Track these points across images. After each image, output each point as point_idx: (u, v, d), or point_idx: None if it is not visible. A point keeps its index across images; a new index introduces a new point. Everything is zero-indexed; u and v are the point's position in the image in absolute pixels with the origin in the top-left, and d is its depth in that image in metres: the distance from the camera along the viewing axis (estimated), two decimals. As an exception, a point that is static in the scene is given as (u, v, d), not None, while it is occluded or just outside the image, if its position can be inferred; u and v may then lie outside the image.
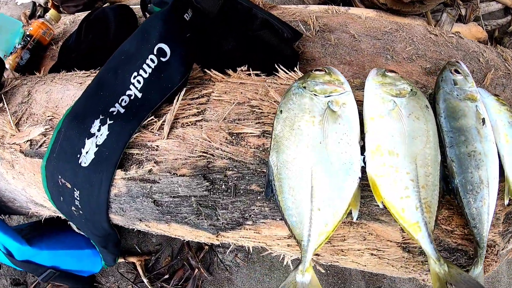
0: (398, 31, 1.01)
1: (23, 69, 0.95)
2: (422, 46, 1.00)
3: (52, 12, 0.96)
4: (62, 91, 0.69)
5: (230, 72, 0.59)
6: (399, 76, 0.52)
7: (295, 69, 0.62)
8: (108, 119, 0.54)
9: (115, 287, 1.09)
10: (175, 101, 0.53)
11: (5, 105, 0.70)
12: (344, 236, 0.47)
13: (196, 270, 1.00)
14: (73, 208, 0.59)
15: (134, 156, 0.53)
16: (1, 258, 0.80)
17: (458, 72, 0.53)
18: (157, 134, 0.52)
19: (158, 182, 0.50)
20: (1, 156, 0.66)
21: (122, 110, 0.55)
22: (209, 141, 0.49)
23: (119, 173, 0.52)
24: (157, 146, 0.52)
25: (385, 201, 0.42)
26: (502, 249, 0.52)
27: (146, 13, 0.90)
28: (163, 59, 0.57)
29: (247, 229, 0.47)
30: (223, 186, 0.47)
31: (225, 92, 0.54)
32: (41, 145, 0.62)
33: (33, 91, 0.73)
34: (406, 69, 0.94)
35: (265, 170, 0.46)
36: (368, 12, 1.27)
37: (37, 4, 1.37)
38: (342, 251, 0.48)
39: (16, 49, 0.93)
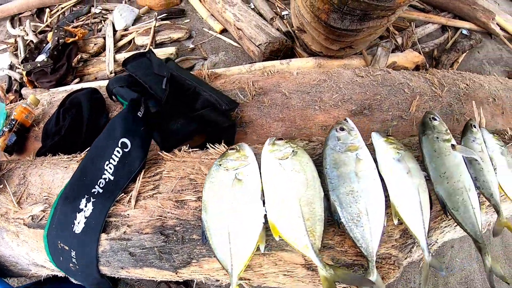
0: (326, 81, 1.38)
1: (10, 149, 1.32)
2: (348, 91, 1.38)
3: (31, 98, 1.33)
4: (52, 174, 1.04)
5: (176, 151, 0.97)
6: (284, 142, 0.83)
7: (222, 144, 0.99)
8: (91, 197, 0.90)
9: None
10: (137, 181, 0.90)
11: (8, 187, 1.05)
12: (261, 263, 0.80)
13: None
14: (71, 265, 0.93)
15: (113, 223, 0.88)
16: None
17: (343, 129, 0.85)
18: (127, 206, 0.88)
19: (131, 240, 0.85)
20: (7, 228, 0.99)
21: (101, 191, 0.91)
22: (162, 208, 0.84)
23: (103, 236, 0.87)
24: (128, 214, 0.87)
25: (281, 235, 0.72)
26: (405, 259, 0.87)
27: (113, 96, 1.28)
28: (126, 150, 0.93)
29: (194, 266, 0.81)
30: (175, 238, 0.82)
31: (172, 170, 0.90)
32: (41, 219, 0.96)
33: (28, 174, 1.07)
34: (333, 115, 1.31)
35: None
36: (308, 61, 1.66)
37: (12, 78, 1.76)
38: (263, 275, 0.82)
39: (4, 132, 1.29)
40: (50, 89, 1.53)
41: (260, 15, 1.85)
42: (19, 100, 1.67)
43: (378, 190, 0.79)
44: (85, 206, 0.89)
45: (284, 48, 1.71)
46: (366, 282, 0.71)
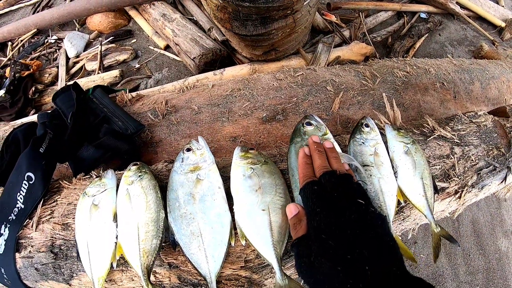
0: (240, 90, 1.52)
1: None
2: (261, 97, 1.50)
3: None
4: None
5: (73, 179, 1.20)
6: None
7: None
8: (8, 223, 1.17)
9: None
10: (38, 208, 1.15)
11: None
12: (121, 278, 0.95)
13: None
14: (5, 280, 1.23)
15: (23, 243, 1.13)
16: None
17: (189, 150, 0.96)
18: (31, 229, 1.13)
19: (34, 257, 1.09)
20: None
21: (14, 218, 1.17)
22: (53, 230, 1.08)
23: (17, 255, 1.14)
24: (32, 236, 1.12)
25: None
26: (266, 279, 0.90)
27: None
28: (31, 182, 1.19)
29: (75, 279, 1.03)
30: (61, 255, 1.05)
31: (65, 196, 1.14)
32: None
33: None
34: (242, 125, 1.45)
35: (81, 242, 1.05)
36: (242, 68, 1.79)
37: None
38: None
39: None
40: (10, 122, 1.85)
41: (200, 26, 2.01)
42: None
43: (218, 211, 0.84)
44: (4, 231, 1.16)
45: (220, 58, 1.86)
46: None
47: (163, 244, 0.91)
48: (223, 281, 0.87)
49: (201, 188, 0.88)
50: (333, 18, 2.04)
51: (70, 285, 1.08)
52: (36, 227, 1.11)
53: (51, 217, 1.10)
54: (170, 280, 0.90)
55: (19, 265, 1.12)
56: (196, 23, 2.09)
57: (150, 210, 0.89)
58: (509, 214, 2.00)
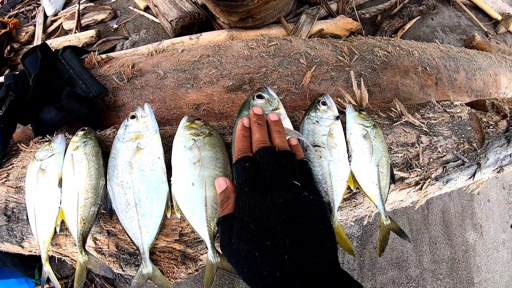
0: (209, 56, 1.46)
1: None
2: (230, 65, 1.45)
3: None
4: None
5: (30, 142, 1.20)
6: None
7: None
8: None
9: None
10: None
11: None
12: (65, 243, 1.00)
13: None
14: None
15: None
16: None
17: (134, 117, 0.91)
18: (-12, 191, 1.15)
19: (-10, 220, 1.13)
20: None
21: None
22: (7, 193, 1.10)
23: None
24: (-11, 199, 1.14)
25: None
26: (201, 254, 0.92)
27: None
28: (-12, 145, 1.19)
29: (26, 241, 1.04)
30: (13, 218, 1.08)
31: (21, 160, 1.15)
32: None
33: None
34: (206, 93, 1.41)
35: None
36: (220, 34, 1.71)
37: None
38: (71, 253, 1.03)
39: None
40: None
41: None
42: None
43: (155, 182, 0.83)
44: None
45: (198, 22, 1.78)
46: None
47: (102, 211, 0.91)
48: (157, 252, 0.88)
49: (140, 157, 0.86)
50: (322, -10, 1.92)
51: (23, 248, 1.11)
52: (-7, 189, 1.12)
53: (6, 180, 1.11)
54: (108, 248, 0.92)
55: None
56: (178, -17, 1.99)
57: (90, 177, 0.89)
58: (481, 207, 1.99)
